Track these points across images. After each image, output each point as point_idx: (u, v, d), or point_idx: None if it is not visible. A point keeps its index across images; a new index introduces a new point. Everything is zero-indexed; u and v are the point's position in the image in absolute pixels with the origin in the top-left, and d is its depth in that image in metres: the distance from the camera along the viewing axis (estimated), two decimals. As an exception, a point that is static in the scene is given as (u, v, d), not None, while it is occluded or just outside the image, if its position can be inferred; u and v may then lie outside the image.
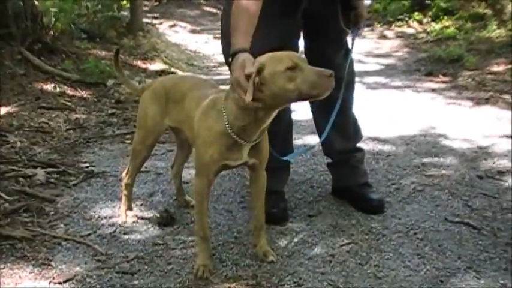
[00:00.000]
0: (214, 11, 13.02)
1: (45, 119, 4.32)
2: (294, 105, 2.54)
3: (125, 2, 8.40)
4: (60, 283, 2.22)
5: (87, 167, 3.49)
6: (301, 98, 2.04)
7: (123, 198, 2.78)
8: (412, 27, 9.50)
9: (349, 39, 2.83)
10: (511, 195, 3.06)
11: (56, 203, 2.96)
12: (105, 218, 2.81)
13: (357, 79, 3.05)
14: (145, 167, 3.33)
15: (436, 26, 8.85)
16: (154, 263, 2.38)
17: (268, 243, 2.45)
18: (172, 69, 6.74)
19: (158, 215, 2.77)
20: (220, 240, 2.58)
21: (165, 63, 7.02)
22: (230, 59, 2.15)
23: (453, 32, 8.21)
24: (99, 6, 7.35)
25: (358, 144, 3.07)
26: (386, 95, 5.63)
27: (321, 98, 2.04)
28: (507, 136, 4.09)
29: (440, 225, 2.71)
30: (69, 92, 5.07)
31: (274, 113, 2.12)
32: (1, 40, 5.21)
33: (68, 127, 4.27)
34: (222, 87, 2.50)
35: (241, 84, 2.02)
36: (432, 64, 7.00)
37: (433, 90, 5.83)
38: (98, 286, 2.21)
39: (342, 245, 2.52)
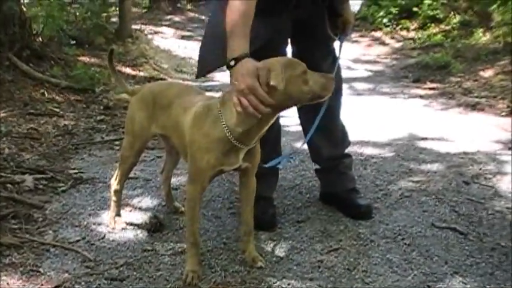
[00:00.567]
0: (203, 17, 13.03)
1: (33, 125, 4.31)
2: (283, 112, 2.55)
3: (113, 8, 8.40)
4: (48, 290, 2.22)
5: (75, 173, 3.48)
6: (312, 99, 2.11)
7: (112, 204, 2.78)
8: (399, 34, 9.57)
9: (336, 46, 2.85)
10: (497, 200, 3.09)
11: (44, 209, 2.95)
12: (94, 224, 2.80)
13: (345, 85, 3.08)
14: (134, 173, 3.33)
15: (424, 33, 8.93)
16: (143, 269, 2.38)
17: (256, 249, 2.46)
18: (162, 76, 6.74)
19: (147, 221, 2.76)
20: (209, 246, 2.58)
21: (154, 69, 7.03)
22: (233, 63, 2.07)
23: (440, 39, 8.30)
24: (89, 13, 7.34)
25: (346, 150, 3.09)
26: (374, 102, 5.67)
27: (325, 99, 2.16)
28: (493, 141, 4.14)
29: (428, 231, 2.73)
30: (58, 98, 5.06)
31: (276, 116, 2.15)
32: (-11, 47, 5.20)
33: (56, 133, 4.26)
34: (208, 93, 2.51)
35: (258, 92, 1.99)
36: (420, 71, 7.06)
37: (421, 96, 5.89)
38: (86, 292, 2.21)
39: (330, 251, 2.54)
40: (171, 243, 2.60)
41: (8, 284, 2.25)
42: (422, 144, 4.14)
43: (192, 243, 2.31)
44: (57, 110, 4.79)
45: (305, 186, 3.30)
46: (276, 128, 2.88)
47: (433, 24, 9.06)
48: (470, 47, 7.51)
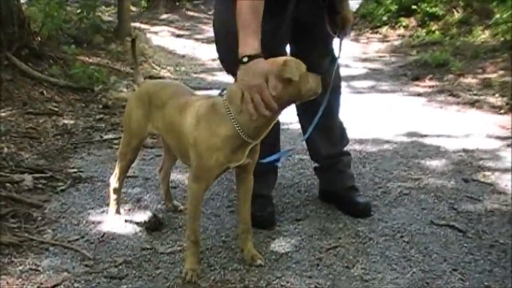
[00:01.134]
0: (202, 16, 13.04)
1: (32, 125, 4.31)
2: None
3: (111, 7, 8.39)
4: (47, 288, 2.22)
5: (75, 172, 3.48)
6: (310, 96, 2.21)
7: (111, 202, 2.78)
8: (398, 32, 9.57)
9: (335, 44, 2.84)
10: (496, 198, 3.10)
11: (43, 208, 2.95)
12: (93, 223, 2.80)
13: (343, 83, 3.08)
14: (133, 172, 3.34)
15: (422, 31, 8.92)
16: (142, 268, 2.38)
17: (255, 247, 2.46)
18: (161, 74, 6.74)
19: (146, 220, 2.76)
20: (208, 244, 2.58)
21: (153, 68, 7.02)
22: (246, 59, 2.11)
23: (439, 37, 8.29)
24: (84, 12, 7.33)
25: (345, 148, 3.09)
26: (373, 99, 5.67)
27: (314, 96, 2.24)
28: (492, 139, 4.14)
29: (426, 228, 2.74)
30: (57, 97, 5.05)
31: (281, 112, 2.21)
32: (-13, 46, 5.19)
33: (55, 132, 4.25)
34: (199, 92, 2.50)
35: (265, 93, 2.05)
36: (418, 69, 7.05)
37: (420, 94, 5.88)
38: (85, 291, 2.22)
39: (329, 249, 2.54)
40: (170, 242, 2.61)
41: (7, 282, 2.25)
42: (421, 141, 4.14)
43: (192, 242, 2.32)
44: (56, 109, 4.79)
45: (304, 185, 3.30)
46: (276, 126, 2.87)
47: (432, 22, 9.04)
48: (470, 44, 7.50)
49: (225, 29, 2.52)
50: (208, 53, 8.18)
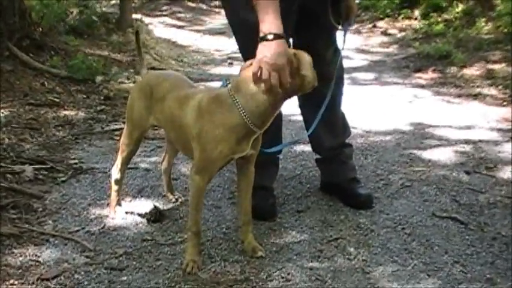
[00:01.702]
0: (204, 7, 13.01)
1: (33, 116, 4.30)
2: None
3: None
4: (48, 279, 2.21)
5: (75, 163, 3.47)
6: (309, 89, 2.23)
7: (112, 194, 2.77)
8: (401, 23, 9.52)
9: (339, 35, 2.81)
10: (498, 190, 3.08)
11: (44, 199, 2.94)
12: (94, 214, 2.80)
13: (346, 75, 3.07)
14: (134, 163, 3.33)
15: (425, 23, 8.88)
16: (142, 259, 2.38)
17: (256, 239, 2.46)
18: (163, 66, 6.72)
19: (147, 211, 2.76)
20: (208, 236, 2.58)
21: (155, 59, 7.00)
22: (271, 37, 2.12)
23: (442, 29, 8.25)
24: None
25: (347, 140, 3.08)
26: (375, 91, 5.65)
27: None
28: (494, 131, 4.13)
29: (428, 220, 2.73)
30: (58, 88, 5.04)
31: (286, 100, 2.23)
32: (-12, 36, 5.18)
33: (56, 123, 4.24)
34: (201, 84, 2.48)
35: (285, 74, 2.09)
36: (421, 60, 7.02)
37: (422, 86, 5.86)
38: (86, 282, 2.21)
39: (330, 240, 2.54)
40: (171, 233, 2.60)
41: (7, 273, 2.25)
42: (423, 133, 4.13)
43: (193, 233, 2.31)
44: (57, 100, 4.78)
45: (305, 176, 3.29)
46: (278, 117, 2.86)
47: (435, 14, 9.00)
48: (473, 36, 7.46)
49: (243, 27, 2.51)
50: (210, 44, 8.17)
